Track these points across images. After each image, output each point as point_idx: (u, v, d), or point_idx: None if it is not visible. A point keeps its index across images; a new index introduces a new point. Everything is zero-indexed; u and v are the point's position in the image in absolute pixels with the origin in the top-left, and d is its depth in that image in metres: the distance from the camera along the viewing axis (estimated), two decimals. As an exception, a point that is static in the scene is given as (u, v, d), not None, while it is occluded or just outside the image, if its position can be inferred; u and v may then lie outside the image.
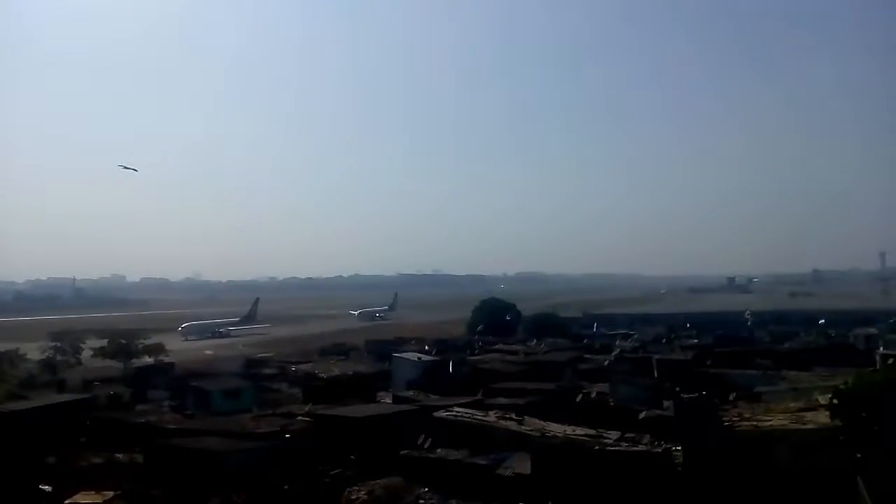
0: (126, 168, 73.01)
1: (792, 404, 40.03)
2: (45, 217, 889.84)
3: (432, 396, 55.59)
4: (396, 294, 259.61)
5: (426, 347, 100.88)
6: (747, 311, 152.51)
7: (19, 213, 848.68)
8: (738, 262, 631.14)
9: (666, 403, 49.08)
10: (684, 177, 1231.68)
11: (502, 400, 50.24)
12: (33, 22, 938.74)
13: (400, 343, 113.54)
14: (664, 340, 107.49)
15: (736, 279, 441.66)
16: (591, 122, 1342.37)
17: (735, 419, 36.54)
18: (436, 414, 43.10)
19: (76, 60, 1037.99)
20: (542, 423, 41.62)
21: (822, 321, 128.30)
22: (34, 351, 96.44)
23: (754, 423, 35.43)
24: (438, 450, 38.23)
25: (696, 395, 41.02)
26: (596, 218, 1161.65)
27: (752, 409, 40.44)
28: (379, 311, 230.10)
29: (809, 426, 33.68)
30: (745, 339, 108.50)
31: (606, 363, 76.45)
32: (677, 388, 55.14)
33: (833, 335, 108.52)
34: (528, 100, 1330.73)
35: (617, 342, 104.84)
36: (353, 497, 33.70)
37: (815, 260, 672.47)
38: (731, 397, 47.63)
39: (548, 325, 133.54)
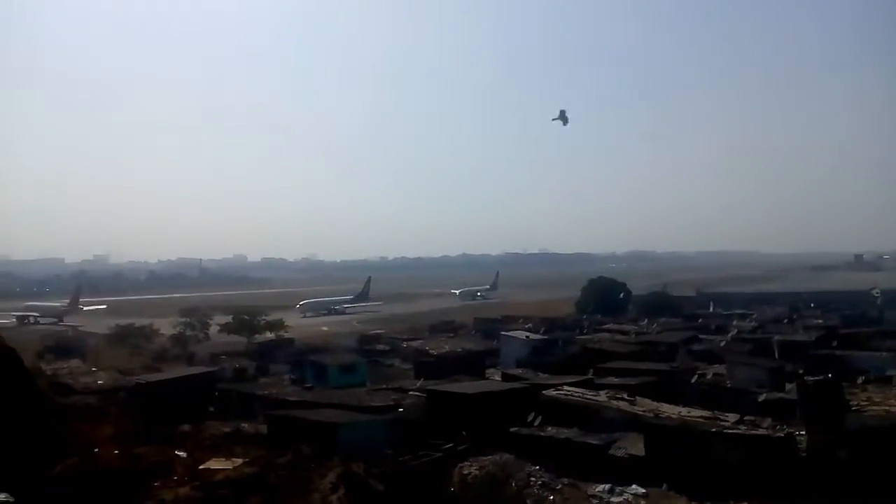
0: (559, 118, 75.50)
1: (928, 389, 37.60)
2: (175, 200, 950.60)
3: (541, 375, 55.41)
4: (498, 273, 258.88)
5: (532, 326, 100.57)
6: (876, 290, 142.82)
7: (150, 198, 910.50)
8: (867, 238, 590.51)
9: (788, 386, 47.26)
10: (806, 147, 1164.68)
11: (613, 380, 49.35)
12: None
13: (508, 321, 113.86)
14: (785, 321, 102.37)
15: (864, 256, 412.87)
16: (710, 92, 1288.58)
17: (864, 403, 34.72)
18: (545, 392, 42.93)
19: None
20: (655, 403, 40.79)
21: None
22: (166, 326, 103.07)
23: (885, 408, 33.53)
24: (548, 428, 38.13)
25: (821, 377, 39.00)
26: (710, 194, 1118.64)
27: (883, 393, 38.19)
28: (480, 291, 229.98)
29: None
30: (874, 319, 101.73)
31: (723, 344, 73.91)
32: (800, 371, 52.83)
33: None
34: (646, 75, 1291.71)
35: (734, 322, 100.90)
36: (465, 472, 34.20)
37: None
38: (859, 380, 45.07)
39: (660, 304, 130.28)
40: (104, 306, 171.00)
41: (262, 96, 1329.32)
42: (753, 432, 33.63)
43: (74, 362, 69.74)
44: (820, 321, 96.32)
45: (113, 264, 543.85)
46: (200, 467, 34.25)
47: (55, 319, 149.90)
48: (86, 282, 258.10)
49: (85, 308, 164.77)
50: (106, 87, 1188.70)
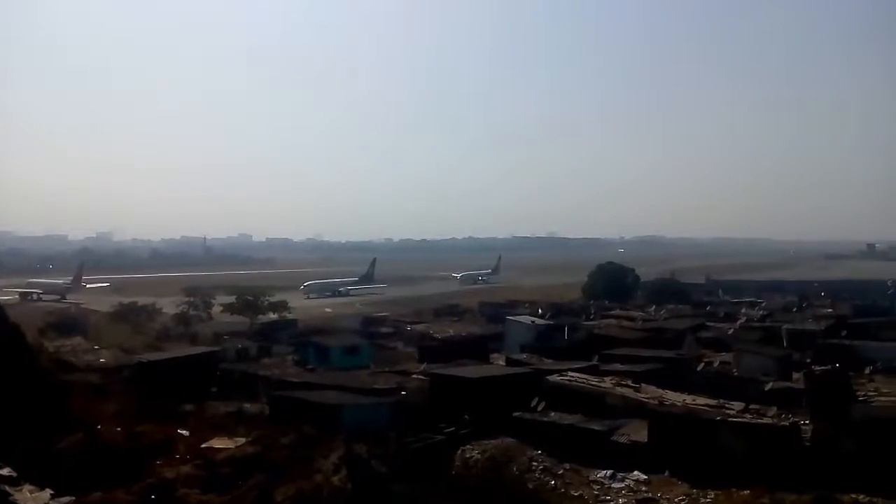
0: None
1: (937, 380, 37.21)
2: (180, 178, 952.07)
3: (546, 360, 55.22)
4: (500, 257, 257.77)
5: (539, 311, 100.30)
6: (890, 280, 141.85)
7: (154, 175, 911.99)
8: (879, 228, 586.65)
9: (795, 375, 46.98)
10: (823, 134, 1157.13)
11: (618, 366, 49.01)
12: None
13: (513, 306, 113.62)
14: (795, 309, 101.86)
15: (877, 245, 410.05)
16: (718, 79, 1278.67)
17: (871, 394, 34.35)
18: (549, 378, 42.74)
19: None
20: (660, 391, 40.60)
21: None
22: (169, 305, 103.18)
23: (892, 398, 33.17)
24: (552, 413, 37.97)
25: (829, 367, 38.64)
26: (721, 181, 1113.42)
27: (891, 384, 37.81)
28: (481, 275, 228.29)
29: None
30: (885, 309, 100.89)
31: (731, 332, 73.53)
32: (808, 360, 52.51)
33: None
34: (656, 61, 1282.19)
35: (743, 310, 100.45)
36: (468, 456, 34.12)
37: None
38: (867, 371, 44.73)
39: (668, 290, 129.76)
40: (107, 284, 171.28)
41: (266, 72, 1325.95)
42: (758, 421, 33.37)
43: (77, 340, 70.11)
44: (830, 310, 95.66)
45: (116, 242, 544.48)
46: (203, 446, 34.27)
47: (58, 296, 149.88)
48: (89, 259, 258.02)
49: (88, 285, 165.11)
50: (110, 63, 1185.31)
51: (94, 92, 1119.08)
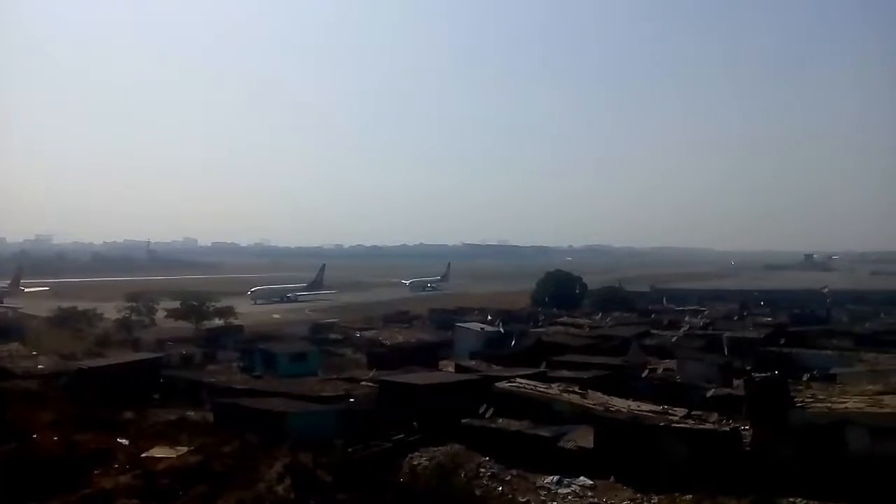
0: None
1: (869, 387, 38.48)
2: (123, 180, 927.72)
3: (494, 367, 55.49)
4: (450, 264, 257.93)
5: (489, 318, 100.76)
6: (826, 289, 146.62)
7: (96, 176, 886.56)
8: (817, 239, 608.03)
9: (736, 382, 48.03)
10: (761, 150, 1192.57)
11: (566, 373, 49.66)
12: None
13: (463, 313, 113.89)
14: (736, 318, 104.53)
15: (815, 256, 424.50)
16: (662, 93, 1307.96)
17: (808, 400, 35.27)
18: (498, 384, 42.89)
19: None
20: (605, 397, 41.10)
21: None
22: (110, 310, 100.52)
23: (828, 405, 34.15)
24: (500, 420, 38.15)
25: (768, 374, 39.69)
26: (666, 191, 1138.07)
27: (827, 390, 38.96)
28: (431, 282, 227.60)
29: (887, 410, 32.25)
30: (822, 318, 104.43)
31: (674, 339, 74.91)
32: (748, 367, 53.78)
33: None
34: (601, 71, 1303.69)
35: (686, 318, 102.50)
36: (415, 463, 34.07)
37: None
38: (804, 378, 46.02)
39: (614, 298, 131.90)
40: (46, 288, 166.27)
41: (213, 71, 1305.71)
42: (700, 427, 34.06)
43: (14, 345, 67.86)
44: (769, 319, 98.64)
45: (56, 245, 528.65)
46: (143, 455, 33.30)
47: None
48: (27, 262, 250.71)
49: (26, 289, 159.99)
50: (52, 57, 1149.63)
51: (34, 85, 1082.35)
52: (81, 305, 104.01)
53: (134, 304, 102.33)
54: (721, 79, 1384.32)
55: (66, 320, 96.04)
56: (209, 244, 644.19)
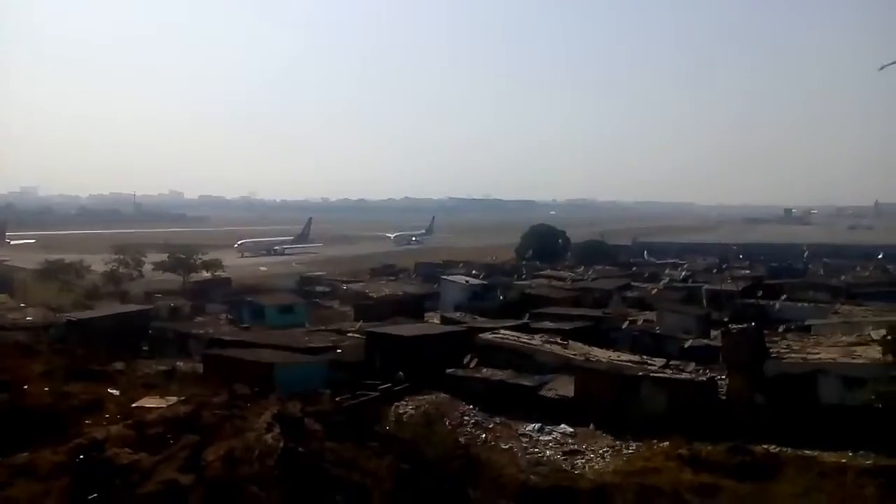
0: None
1: (843, 338, 39.58)
2: (109, 131, 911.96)
3: (479, 318, 56.26)
4: (434, 218, 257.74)
5: (473, 271, 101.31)
6: (804, 246, 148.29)
7: (82, 127, 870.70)
8: (797, 194, 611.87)
9: (714, 333, 48.98)
10: (743, 105, 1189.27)
11: (548, 324, 50.71)
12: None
13: (449, 266, 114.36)
14: (715, 271, 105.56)
15: (794, 211, 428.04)
16: (651, 48, 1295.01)
17: (783, 351, 36.36)
18: (482, 335, 43.80)
19: None
20: (586, 348, 42.09)
21: (881, 256, 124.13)
22: (98, 263, 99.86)
23: (802, 355, 35.21)
24: (484, 370, 39.08)
25: (745, 325, 40.72)
26: (649, 145, 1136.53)
27: (802, 341, 40.09)
28: (415, 235, 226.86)
29: (859, 360, 33.32)
30: (799, 271, 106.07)
31: (654, 292, 75.89)
32: (726, 319, 54.86)
33: (891, 270, 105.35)
34: (585, 28, 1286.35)
35: (666, 271, 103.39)
36: (401, 411, 34.84)
37: (877, 192, 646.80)
38: (780, 329, 47.12)
39: (597, 252, 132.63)
40: (33, 241, 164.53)
41: (205, 27, 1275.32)
42: (677, 376, 35.12)
43: (1, 297, 67.70)
44: (748, 272, 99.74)
45: (42, 197, 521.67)
46: (133, 405, 33.80)
47: None
48: (13, 215, 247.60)
49: (12, 242, 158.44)
50: (36, 7, 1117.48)
51: (18, 31, 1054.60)
52: (69, 258, 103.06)
53: (121, 257, 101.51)
54: (704, 33, 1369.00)
55: (54, 272, 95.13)
56: (195, 197, 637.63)
